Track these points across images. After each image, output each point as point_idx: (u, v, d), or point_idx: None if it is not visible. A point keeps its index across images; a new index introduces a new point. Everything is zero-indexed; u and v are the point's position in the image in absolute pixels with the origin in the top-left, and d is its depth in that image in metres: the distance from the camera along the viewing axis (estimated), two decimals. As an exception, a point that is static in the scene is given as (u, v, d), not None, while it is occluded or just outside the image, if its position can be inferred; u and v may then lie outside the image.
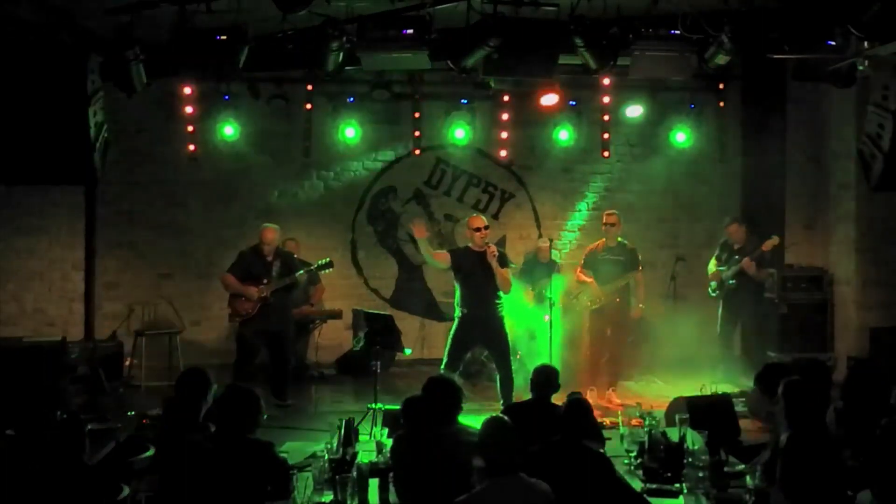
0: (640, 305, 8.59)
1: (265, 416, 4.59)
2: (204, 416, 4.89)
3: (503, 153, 10.48)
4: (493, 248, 7.15)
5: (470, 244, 7.30)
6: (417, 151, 10.35)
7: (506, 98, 9.87)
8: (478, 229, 7.22)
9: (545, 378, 5.54)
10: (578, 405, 4.62)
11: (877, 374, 5.27)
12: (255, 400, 4.51)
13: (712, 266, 9.05)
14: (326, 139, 10.01)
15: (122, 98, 6.79)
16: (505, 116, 10.12)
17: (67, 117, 6.34)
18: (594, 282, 8.46)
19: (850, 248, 9.38)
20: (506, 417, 4.28)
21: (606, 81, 9.66)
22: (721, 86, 9.98)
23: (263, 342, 8.15)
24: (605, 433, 5.46)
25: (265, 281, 8.01)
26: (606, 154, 10.42)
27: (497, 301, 7.26)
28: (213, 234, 10.10)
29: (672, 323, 10.12)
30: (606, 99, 9.98)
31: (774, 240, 8.57)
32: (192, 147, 9.77)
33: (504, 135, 10.26)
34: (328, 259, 8.53)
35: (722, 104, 10.14)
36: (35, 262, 10.05)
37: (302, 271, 8.20)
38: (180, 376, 5.21)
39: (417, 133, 10.16)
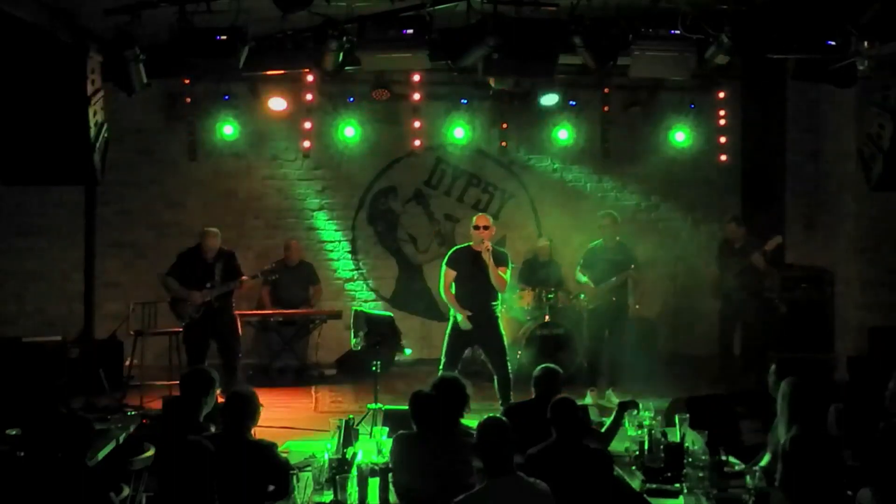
0: (636, 305, 8.57)
1: (261, 407, 4.62)
2: (205, 417, 4.90)
3: (503, 152, 10.49)
4: (487, 244, 7.14)
5: (471, 243, 7.31)
6: (417, 151, 10.36)
7: (506, 98, 9.87)
8: (477, 227, 7.22)
9: (547, 378, 5.54)
10: (563, 404, 4.63)
11: (877, 374, 5.28)
12: (251, 398, 4.54)
13: (713, 267, 9.05)
14: (326, 139, 10.02)
15: (122, 98, 6.79)
16: (505, 116, 10.12)
17: (67, 117, 6.34)
18: (589, 281, 8.48)
19: (850, 248, 9.37)
20: (502, 418, 4.28)
21: (606, 82, 9.67)
22: (720, 86, 9.98)
23: (215, 344, 8.02)
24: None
25: (208, 285, 7.90)
26: (606, 154, 10.42)
27: (493, 301, 7.26)
28: (213, 234, 10.10)
29: (672, 323, 10.14)
30: (606, 98, 9.98)
31: (777, 239, 8.58)
32: (192, 147, 9.77)
33: (504, 135, 10.26)
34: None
35: (722, 104, 10.14)
36: (35, 262, 10.05)
37: (247, 276, 8.09)
38: (184, 375, 5.23)
39: (417, 133, 10.17)
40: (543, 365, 5.68)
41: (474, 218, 7.42)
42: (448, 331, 7.31)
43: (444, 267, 7.33)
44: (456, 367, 7.10)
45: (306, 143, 9.99)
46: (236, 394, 4.61)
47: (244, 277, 8.05)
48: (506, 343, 7.40)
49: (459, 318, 7.18)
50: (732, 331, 9.14)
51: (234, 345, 8.10)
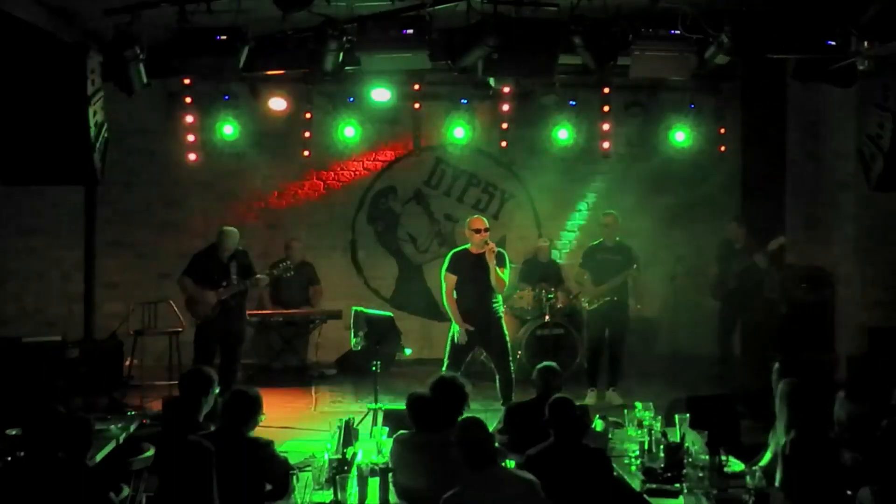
0: (638, 305, 8.57)
1: (263, 417, 4.62)
2: (205, 416, 4.90)
3: (503, 152, 10.48)
4: (492, 245, 7.16)
5: (469, 246, 7.30)
6: (417, 151, 10.36)
7: (506, 98, 9.87)
8: (478, 231, 7.23)
9: (546, 377, 5.55)
10: (560, 405, 4.63)
11: (877, 372, 5.29)
12: (256, 400, 4.54)
13: (713, 267, 9.05)
14: (326, 139, 10.01)
15: (122, 98, 6.79)
16: (505, 116, 10.12)
17: (67, 117, 6.34)
18: (590, 281, 8.49)
19: (850, 248, 9.36)
20: (476, 416, 4.34)
21: (606, 82, 9.67)
22: (720, 86, 9.98)
23: (220, 343, 8.08)
24: (611, 433, 5.46)
25: (224, 284, 7.97)
26: (606, 154, 10.42)
27: (494, 301, 7.27)
28: (213, 234, 10.08)
29: (672, 323, 10.13)
30: (606, 98, 9.98)
31: (781, 239, 8.60)
32: (191, 147, 9.77)
33: (504, 135, 10.25)
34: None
35: (722, 104, 10.13)
36: (35, 262, 10.06)
37: (262, 275, 8.28)
38: (182, 375, 5.23)
39: (417, 133, 10.16)
40: (542, 364, 5.69)
41: (470, 221, 7.40)
42: (451, 332, 7.31)
43: (444, 273, 7.31)
44: (459, 368, 7.09)
45: (305, 143, 9.99)
46: (241, 392, 4.60)
47: (259, 276, 8.17)
48: (509, 343, 7.40)
49: (456, 330, 7.17)
50: (732, 331, 9.13)
51: (239, 346, 8.16)
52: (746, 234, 8.89)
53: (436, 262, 10.04)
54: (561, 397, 4.74)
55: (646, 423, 5.17)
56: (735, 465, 4.74)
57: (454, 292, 7.26)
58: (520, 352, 8.86)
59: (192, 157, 9.84)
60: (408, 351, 7.86)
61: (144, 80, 6.63)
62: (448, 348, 7.27)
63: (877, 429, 4.16)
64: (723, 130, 10.28)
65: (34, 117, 6.35)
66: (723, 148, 10.38)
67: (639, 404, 5.52)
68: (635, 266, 8.36)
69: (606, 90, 9.83)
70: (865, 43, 6.32)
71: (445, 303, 7.33)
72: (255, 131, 9.79)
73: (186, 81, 9.12)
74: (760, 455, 4.87)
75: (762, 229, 9.11)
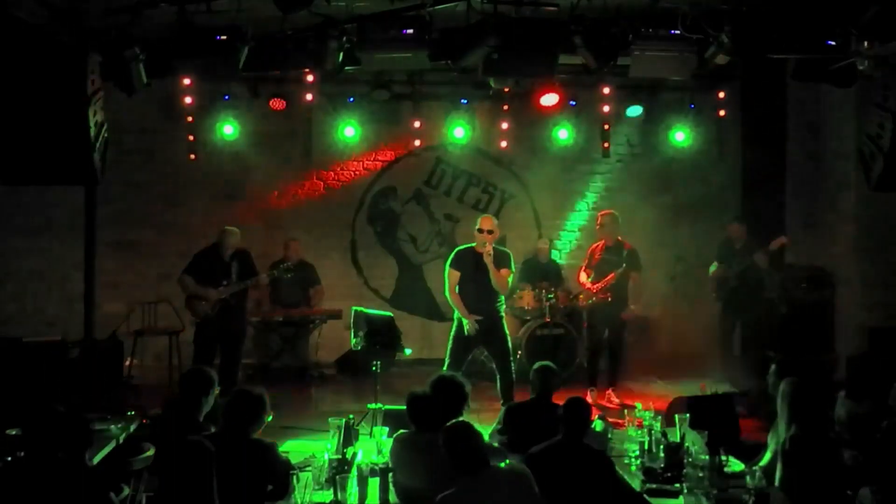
0: (632, 307, 8.55)
1: (269, 418, 4.61)
2: (205, 417, 4.90)
3: (503, 152, 10.49)
4: (489, 248, 7.15)
5: (475, 244, 7.32)
6: (417, 151, 10.36)
7: (505, 98, 9.87)
8: (480, 231, 7.25)
9: (545, 378, 5.55)
10: (578, 404, 4.64)
11: (877, 371, 5.29)
12: (259, 399, 4.53)
13: (713, 267, 9.04)
14: (326, 139, 10.03)
15: (122, 98, 6.79)
16: (505, 116, 10.12)
17: (67, 117, 6.33)
18: (587, 280, 8.50)
19: (850, 248, 9.37)
20: (462, 420, 4.32)
21: (606, 82, 9.67)
22: (720, 86, 9.98)
23: (220, 343, 8.10)
24: (611, 433, 5.46)
25: (225, 283, 8.01)
26: (606, 154, 10.41)
27: (496, 301, 7.27)
28: (213, 234, 10.07)
29: (672, 323, 10.13)
30: (606, 98, 9.98)
31: (782, 239, 8.60)
32: (192, 147, 9.78)
33: (504, 135, 10.26)
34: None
35: (721, 104, 10.14)
36: (35, 262, 10.05)
37: (264, 274, 8.38)
38: (183, 375, 5.23)
39: (417, 133, 10.17)
40: (539, 364, 5.68)
41: (479, 220, 7.43)
42: (452, 334, 7.30)
43: (447, 269, 7.33)
44: (461, 368, 7.09)
45: (305, 143, 10.00)
46: (244, 392, 4.58)
47: (262, 275, 8.24)
48: (510, 344, 7.40)
49: (465, 323, 7.18)
50: (732, 331, 9.13)
51: (239, 345, 8.16)
52: (747, 233, 8.89)
53: (436, 262, 10.06)
54: (578, 398, 4.76)
55: (646, 423, 5.17)
56: (735, 465, 4.74)
57: (457, 289, 7.26)
58: (520, 352, 8.86)
59: (192, 157, 9.85)
60: (408, 351, 7.86)
61: (144, 80, 6.63)
62: (450, 346, 7.27)
63: (877, 429, 4.16)
64: (723, 131, 10.28)
65: (34, 117, 6.34)
66: (723, 148, 10.39)
67: (639, 404, 5.52)
68: (624, 266, 8.30)
69: (606, 90, 9.83)
70: (865, 43, 6.32)
71: (449, 297, 7.33)
72: (255, 131, 9.80)
73: (186, 81, 9.11)
74: (760, 455, 4.87)
75: (762, 229, 9.10)
